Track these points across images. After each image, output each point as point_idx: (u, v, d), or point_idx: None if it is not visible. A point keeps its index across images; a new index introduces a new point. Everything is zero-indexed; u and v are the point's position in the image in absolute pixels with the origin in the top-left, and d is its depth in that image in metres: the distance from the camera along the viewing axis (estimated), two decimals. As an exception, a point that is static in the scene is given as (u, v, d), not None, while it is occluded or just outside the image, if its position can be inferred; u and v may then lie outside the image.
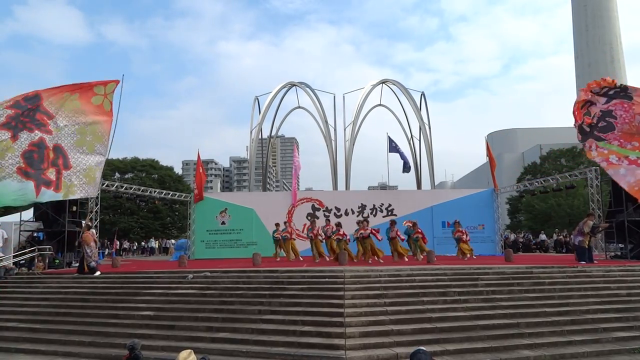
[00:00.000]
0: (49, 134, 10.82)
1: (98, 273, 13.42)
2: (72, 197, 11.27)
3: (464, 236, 17.49)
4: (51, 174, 10.61)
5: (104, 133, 11.56)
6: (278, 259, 17.72)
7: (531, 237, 30.38)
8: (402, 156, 27.51)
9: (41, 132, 10.71)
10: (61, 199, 11.22)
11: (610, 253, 18.42)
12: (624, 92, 13.06)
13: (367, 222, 17.21)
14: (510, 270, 12.20)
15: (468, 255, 17.07)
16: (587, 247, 14.92)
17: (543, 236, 29.18)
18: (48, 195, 10.56)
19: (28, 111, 10.67)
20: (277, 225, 18.95)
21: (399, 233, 16.56)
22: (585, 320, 9.56)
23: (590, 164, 22.29)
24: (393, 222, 16.99)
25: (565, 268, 12.73)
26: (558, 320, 9.47)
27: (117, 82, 11.84)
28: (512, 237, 29.45)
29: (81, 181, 11.02)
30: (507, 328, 9.03)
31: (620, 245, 18.00)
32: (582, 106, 13.46)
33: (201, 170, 22.72)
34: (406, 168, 27.32)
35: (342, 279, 10.74)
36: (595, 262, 14.52)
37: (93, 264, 13.63)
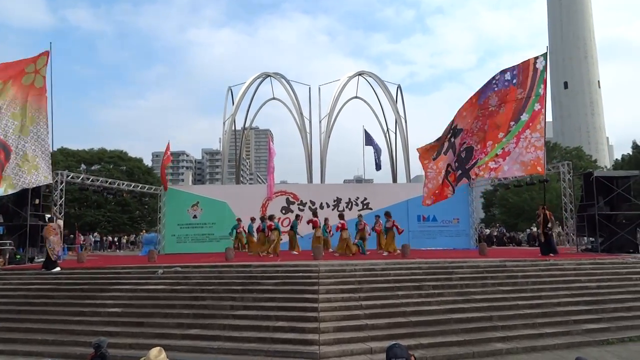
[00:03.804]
0: None
1: (57, 269, 13.03)
2: (12, 191, 10.84)
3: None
4: None
5: (38, 112, 11.07)
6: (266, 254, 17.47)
7: (505, 231, 31.07)
8: (376, 152, 27.51)
9: None
10: (2, 194, 10.81)
11: (582, 247, 18.98)
12: (454, 129, 14.07)
13: (343, 216, 17.39)
14: (484, 264, 12.43)
15: (388, 252, 16.67)
16: (546, 240, 15.40)
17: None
18: None
19: None
20: (252, 219, 18.92)
21: (396, 223, 16.94)
22: (557, 312, 9.84)
23: (563, 158, 22.85)
24: (388, 214, 17.25)
25: (537, 262, 13.05)
26: (530, 313, 9.72)
27: (46, 54, 11.31)
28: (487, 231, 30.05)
29: (22, 172, 10.61)
30: (481, 321, 9.21)
31: (591, 238, 18.56)
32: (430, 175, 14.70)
33: (165, 157, 22.27)
34: (378, 166, 27.33)
35: (317, 274, 10.75)
36: (552, 255, 14.79)
37: (54, 257, 13.26)
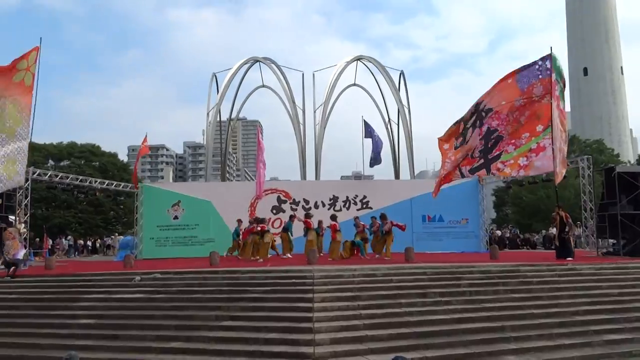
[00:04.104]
0: None
1: (7, 277, 12.88)
2: None
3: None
4: None
5: (22, 111, 11.16)
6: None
7: (518, 232, 31.24)
8: (375, 146, 27.17)
9: None
10: None
11: (602, 249, 19.08)
12: (479, 110, 13.98)
13: (336, 217, 17.60)
14: (495, 269, 12.49)
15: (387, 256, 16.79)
16: (561, 242, 15.56)
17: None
18: None
19: None
20: (239, 221, 18.96)
21: (395, 223, 17.02)
22: (575, 322, 9.91)
23: (582, 152, 22.96)
24: (384, 216, 17.38)
25: (554, 266, 13.13)
26: (546, 323, 9.78)
27: (36, 49, 11.39)
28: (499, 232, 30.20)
29: (1, 176, 10.68)
30: (492, 332, 9.26)
31: (612, 241, 18.65)
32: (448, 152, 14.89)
33: (141, 147, 22.23)
34: (376, 161, 26.95)
35: (311, 280, 10.76)
36: (569, 258, 14.96)
37: (8, 259, 13.31)
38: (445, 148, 14.84)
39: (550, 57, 13.64)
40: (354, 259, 16.23)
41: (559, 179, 13.95)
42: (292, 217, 18.65)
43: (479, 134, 14.11)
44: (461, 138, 14.56)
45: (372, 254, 17.36)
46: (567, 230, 15.71)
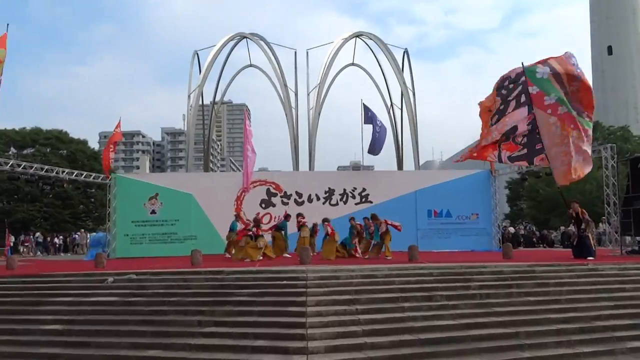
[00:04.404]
0: None
1: None
2: None
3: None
4: None
5: None
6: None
7: (534, 229, 31.38)
8: (377, 136, 26.97)
9: None
10: None
11: (627, 248, 19.18)
12: (526, 90, 14.42)
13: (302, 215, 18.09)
14: (508, 269, 12.55)
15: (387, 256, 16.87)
16: (579, 240, 15.71)
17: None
18: None
19: None
20: (237, 217, 19.07)
21: (389, 222, 16.99)
22: (596, 328, 9.95)
23: (606, 140, 22.98)
24: (375, 217, 17.43)
25: (573, 266, 13.21)
26: (564, 329, 9.82)
27: (5, 37, 11.38)
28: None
29: None
30: (505, 339, 9.29)
31: (638, 238, 18.76)
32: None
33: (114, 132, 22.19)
34: (376, 148, 26.77)
35: (304, 282, 10.78)
36: (590, 258, 15.07)
37: None
38: (489, 113, 14.97)
39: (523, 73, 14.33)
40: (352, 258, 16.25)
41: (560, 178, 14.47)
42: (287, 216, 18.61)
43: (527, 118, 14.26)
44: (496, 116, 14.70)
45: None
46: (583, 227, 15.83)
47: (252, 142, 20.75)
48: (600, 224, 27.06)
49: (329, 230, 16.68)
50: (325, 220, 17.54)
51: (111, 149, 23.23)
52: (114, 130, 22.48)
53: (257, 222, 17.72)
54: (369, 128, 26.70)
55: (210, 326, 9.55)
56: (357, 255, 16.76)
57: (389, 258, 16.09)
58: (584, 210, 16.15)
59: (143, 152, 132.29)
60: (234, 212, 19.83)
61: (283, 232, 18.34)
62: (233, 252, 17.87)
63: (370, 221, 17.50)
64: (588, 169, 14.19)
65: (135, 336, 9.42)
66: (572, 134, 13.78)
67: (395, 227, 16.89)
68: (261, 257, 16.48)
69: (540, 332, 9.61)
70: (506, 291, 11.23)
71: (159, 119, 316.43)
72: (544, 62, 14.16)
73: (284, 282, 11.13)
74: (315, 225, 18.74)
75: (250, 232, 17.08)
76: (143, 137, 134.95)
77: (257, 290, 10.78)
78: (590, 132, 14.15)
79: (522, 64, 14.49)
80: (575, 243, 15.91)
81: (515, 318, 10.04)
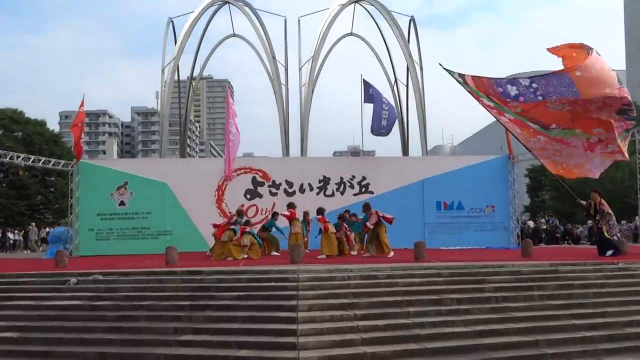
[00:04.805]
0: None
1: None
2: None
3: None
4: None
5: None
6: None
7: (558, 223, 31.49)
8: (383, 110, 26.91)
9: None
10: None
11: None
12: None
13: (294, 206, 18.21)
14: (528, 269, 12.59)
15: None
16: (600, 236, 15.91)
17: None
18: None
19: None
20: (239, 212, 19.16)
21: (380, 213, 16.94)
22: (627, 335, 10.02)
23: (640, 122, 23.01)
24: (367, 206, 17.35)
25: (601, 265, 13.29)
26: (591, 337, 9.88)
27: None
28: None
29: None
30: (523, 348, 9.35)
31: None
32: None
33: (80, 124, 22.03)
34: (381, 129, 26.63)
35: (295, 283, 10.80)
36: (608, 254, 15.29)
37: None
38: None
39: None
40: (350, 257, 16.31)
41: (552, 169, 15.63)
42: (275, 215, 18.62)
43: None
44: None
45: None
46: (597, 219, 15.95)
47: (237, 122, 20.69)
48: (638, 217, 27.18)
49: (322, 226, 16.72)
50: (319, 211, 17.50)
51: (82, 129, 22.95)
52: (79, 110, 22.28)
53: (241, 213, 17.70)
54: (369, 108, 26.67)
55: (188, 334, 9.57)
56: (353, 253, 16.84)
57: (389, 256, 16.05)
58: (602, 201, 16.16)
59: (110, 134, 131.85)
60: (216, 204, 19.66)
61: (270, 232, 18.47)
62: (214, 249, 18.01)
63: (352, 218, 17.69)
64: (597, 171, 14.82)
65: (102, 345, 9.43)
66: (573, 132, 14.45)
67: (386, 219, 16.70)
68: (245, 256, 16.52)
69: (563, 340, 9.66)
70: (525, 294, 11.29)
71: (128, 97, 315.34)
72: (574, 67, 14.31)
73: (272, 283, 11.15)
74: (306, 214, 18.66)
75: (233, 227, 17.11)
76: (110, 117, 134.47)
77: (242, 293, 10.80)
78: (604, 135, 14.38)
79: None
80: (598, 239, 15.99)
81: (535, 324, 10.08)
